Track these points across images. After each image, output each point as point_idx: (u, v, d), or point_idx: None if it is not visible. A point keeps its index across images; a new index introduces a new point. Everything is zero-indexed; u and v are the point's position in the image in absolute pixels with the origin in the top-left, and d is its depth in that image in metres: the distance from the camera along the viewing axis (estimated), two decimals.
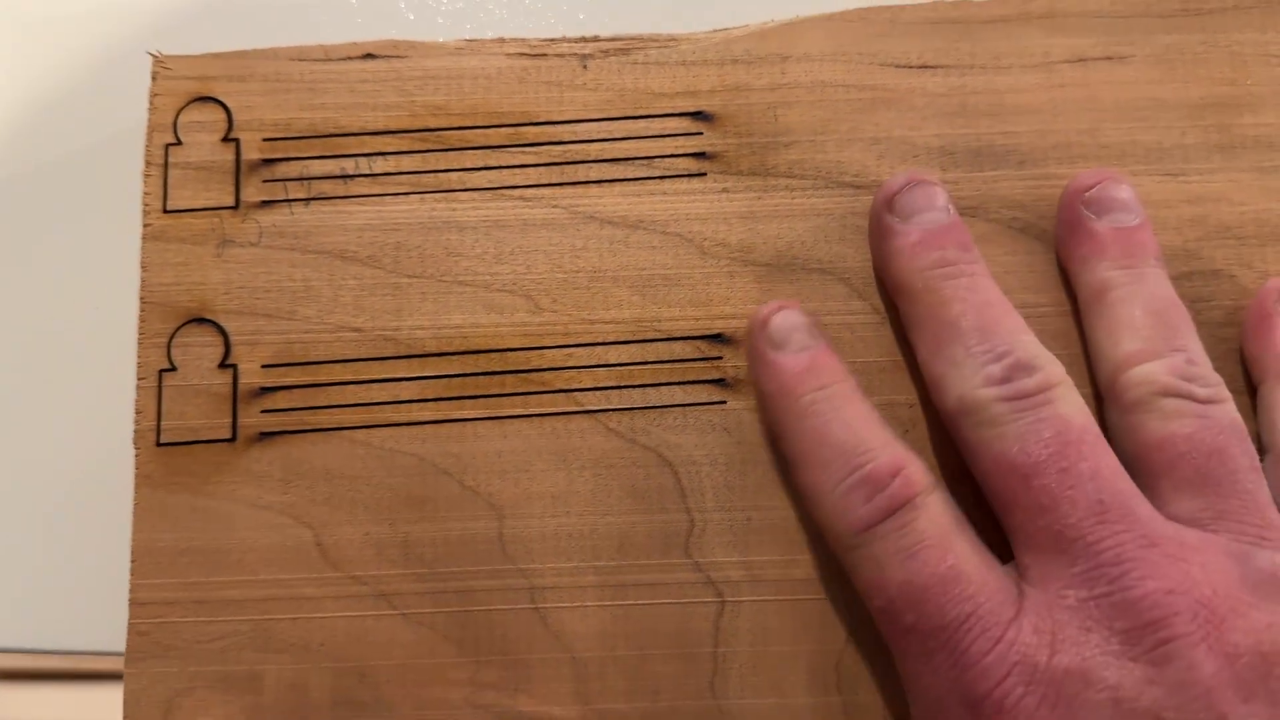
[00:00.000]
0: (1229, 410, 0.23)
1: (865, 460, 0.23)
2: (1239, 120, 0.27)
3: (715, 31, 0.28)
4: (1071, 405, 0.22)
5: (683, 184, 0.27)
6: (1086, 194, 0.25)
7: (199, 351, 0.26)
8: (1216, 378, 0.23)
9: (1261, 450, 0.24)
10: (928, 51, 0.27)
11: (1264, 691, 0.20)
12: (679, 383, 0.26)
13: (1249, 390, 0.25)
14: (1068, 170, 0.26)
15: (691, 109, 0.27)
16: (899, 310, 0.25)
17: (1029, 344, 0.23)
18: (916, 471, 0.23)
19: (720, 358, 0.26)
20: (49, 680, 0.29)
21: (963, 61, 0.27)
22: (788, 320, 0.25)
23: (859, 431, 0.23)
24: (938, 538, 0.22)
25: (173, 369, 0.26)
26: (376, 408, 0.26)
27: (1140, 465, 0.23)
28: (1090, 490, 0.21)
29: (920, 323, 0.24)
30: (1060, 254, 0.26)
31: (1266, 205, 0.26)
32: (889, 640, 0.23)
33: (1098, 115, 0.27)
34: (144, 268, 0.26)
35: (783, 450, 0.24)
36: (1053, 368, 0.23)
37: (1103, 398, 0.24)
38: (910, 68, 0.27)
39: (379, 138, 0.27)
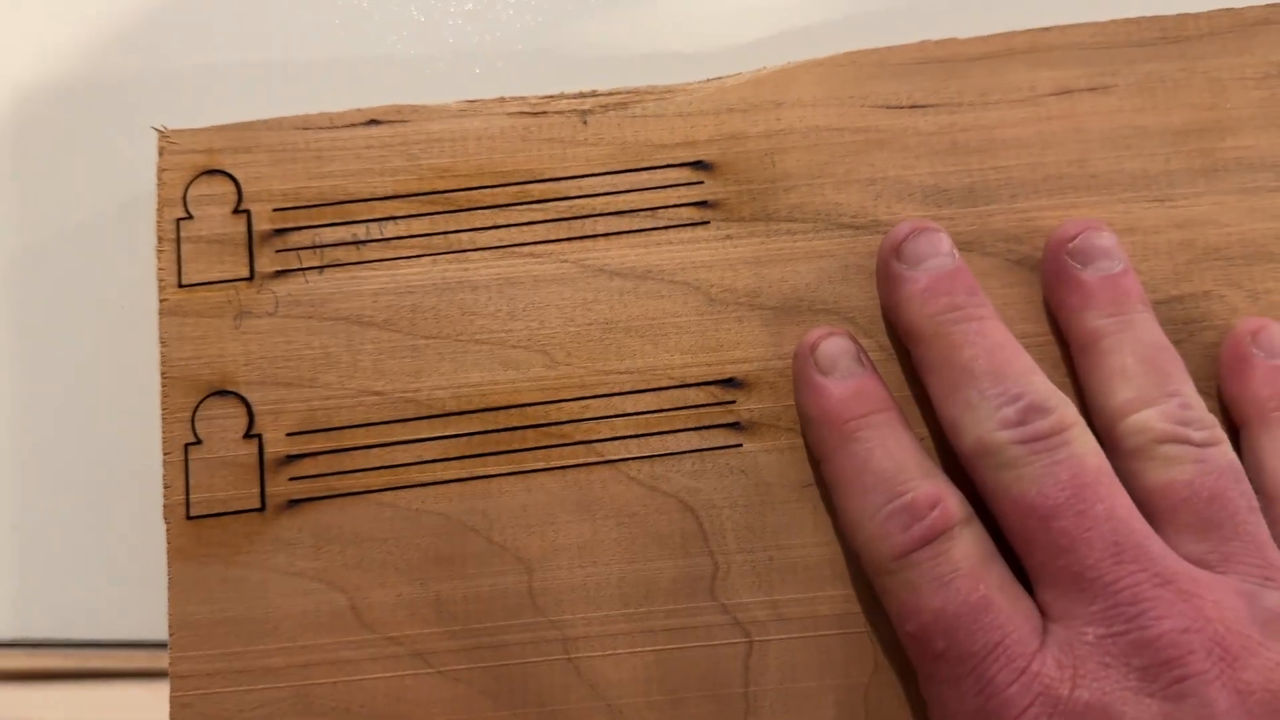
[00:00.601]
0: (1225, 452, 0.24)
1: (906, 489, 0.23)
2: (1220, 144, 0.28)
3: (709, 81, 0.28)
4: (1086, 446, 0.23)
5: (687, 233, 0.27)
6: (1070, 244, 0.26)
7: (223, 423, 0.26)
8: (1211, 419, 0.24)
9: None
10: (917, 91, 0.28)
11: None
12: (695, 428, 0.26)
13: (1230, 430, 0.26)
14: (1059, 201, 0.27)
15: (691, 159, 0.28)
16: (912, 355, 0.26)
17: (1041, 385, 0.24)
18: (954, 503, 0.23)
19: (734, 401, 0.27)
20: (55, 680, 0.30)
21: (951, 100, 0.28)
22: (836, 346, 0.26)
23: (901, 460, 0.24)
24: (971, 568, 0.23)
25: (198, 442, 0.26)
26: (401, 469, 0.26)
27: (1144, 510, 0.23)
28: (1106, 531, 0.22)
29: (934, 367, 0.25)
30: (1049, 304, 0.26)
31: (1251, 225, 0.27)
32: (918, 665, 0.24)
33: (1085, 146, 0.28)
34: (163, 343, 0.27)
35: (824, 474, 0.25)
36: (1065, 409, 0.23)
37: (1101, 445, 0.25)
38: (901, 108, 0.28)
39: (388, 202, 0.27)
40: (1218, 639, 0.21)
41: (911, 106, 0.28)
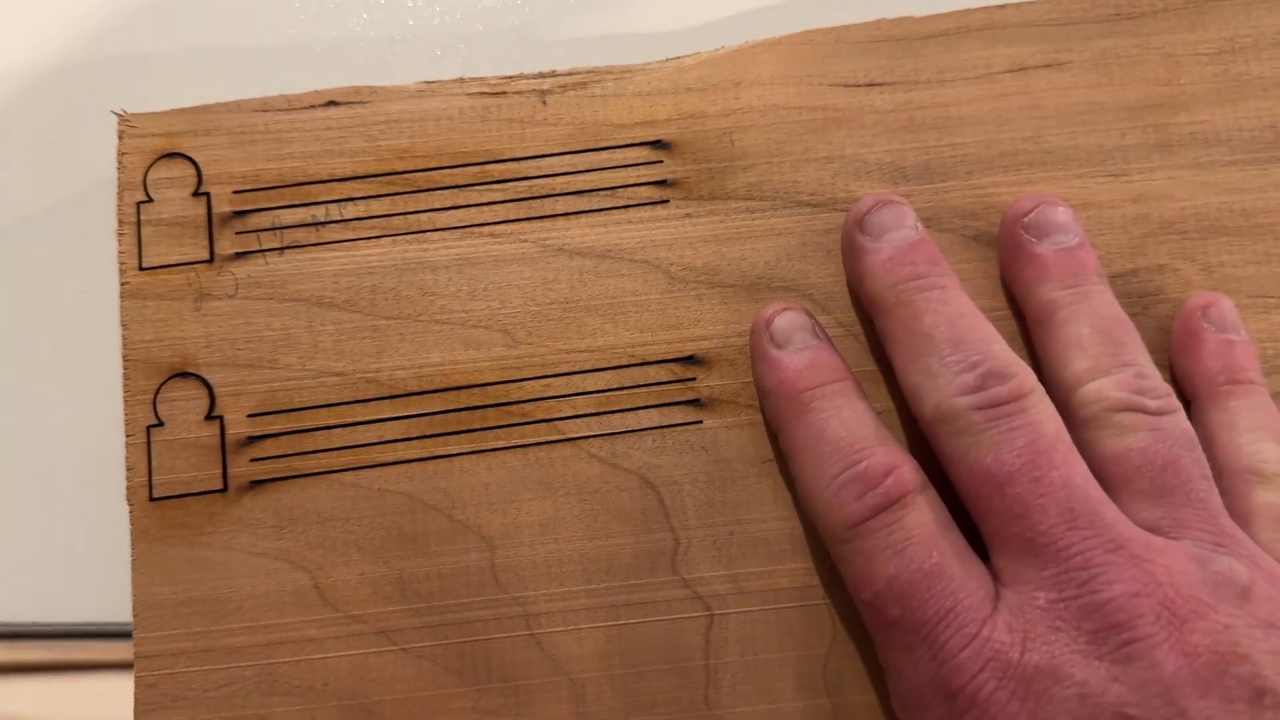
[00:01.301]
0: (1179, 420, 0.24)
1: (860, 458, 0.24)
2: (1175, 119, 0.28)
3: (668, 60, 0.28)
4: (1043, 413, 0.23)
5: (646, 212, 0.27)
6: (1025, 219, 0.26)
7: (185, 405, 0.26)
8: (1166, 388, 0.24)
9: None
10: (874, 70, 0.28)
11: (1219, 688, 0.21)
12: (655, 405, 0.27)
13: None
14: (1015, 177, 0.27)
15: (650, 138, 0.28)
16: (876, 325, 0.26)
17: (1001, 353, 0.24)
18: (909, 471, 0.24)
19: (694, 379, 0.27)
20: (21, 673, 0.30)
21: (908, 77, 0.28)
22: (790, 320, 0.26)
23: (856, 429, 0.24)
24: (925, 535, 0.23)
25: (160, 424, 0.26)
26: (363, 449, 0.26)
27: (1099, 478, 0.24)
28: (1061, 498, 0.22)
29: (895, 336, 0.25)
30: (1005, 278, 0.27)
31: (1205, 200, 0.28)
32: (873, 632, 0.24)
33: (1040, 122, 0.28)
34: (124, 326, 0.27)
35: (781, 444, 0.26)
36: (1025, 375, 0.24)
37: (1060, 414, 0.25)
38: (858, 86, 0.28)
39: (347, 183, 0.27)
40: (1167, 602, 0.22)
41: (868, 85, 0.28)
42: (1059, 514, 0.22)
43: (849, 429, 0.24)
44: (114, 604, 0.27)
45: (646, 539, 0.26)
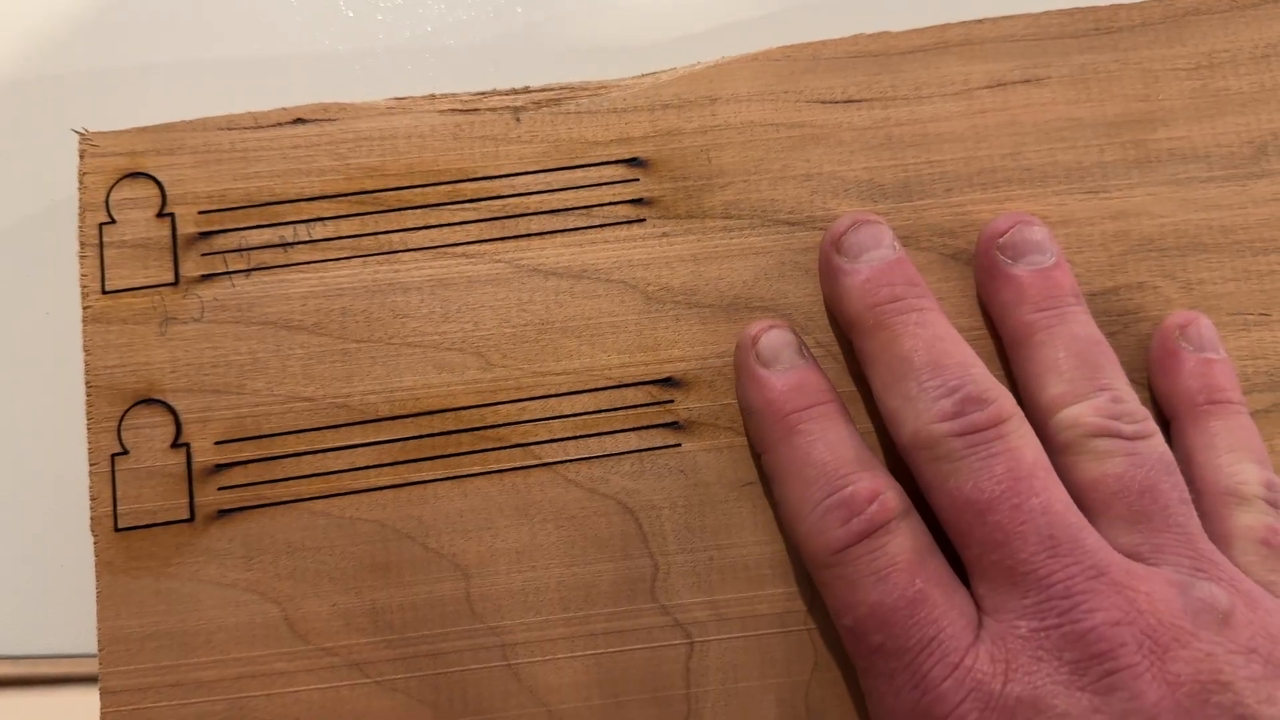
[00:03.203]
0: (1157, 444, 0.24)
1: (845, 483, 0.23)
2: (1153, 135, 0.28)
3: (644, 76, 0.28)
4: (1022, 439, 0.23)
5: (623, 231, 0.27)
6: (1001, 239, 0.26)
7: (150, 433, 0.26)
8: (1143, 412, 0.24)
9: None
10: (851, 86, 0.28)
11: (1202, 717, 0.21)
12: (633, 429, 0.26)
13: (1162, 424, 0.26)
14: (994, 195, 0.27)
15: (626, 156, 0.27)
16: (854, 347, 0.26)
17: (980, 377, 0.24)
18: (893, 497, 0.23)
19: (672, 401, 0.26)
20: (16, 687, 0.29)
21: (885, 94, 0.28)
22: (778, 338, 0.25)
23: (841, 453, 0.24)
24: (908, 562, 0.23)
25: (125, 452, 0.26)
26: (334, 476, 0.26)
27: (1078, 503, 0.23)
28: (1041, 525, 0.22)
29: (874, 358, 0.25)
30: (981, 299, 0.27)
31: (1184, 216, 0.27)
32: (855, 659, 0.24)
33: (1019, 138, 0.28)
34: (87, 351, 0.26)
35: (766, 465, 0.25)
36: (1004, 400, 0.23)
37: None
38: (835, 103, 0.28)
39: (316, 203, 0.27)
40: (1149, 631, 0.21)
41: (846, 101, 0.28)
42: (1039, 541, 0.22)
43: (834, 453, 0.24)
44: (77, 636, 0.27)
45: (625, 565, 0.26)
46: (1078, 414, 0.24)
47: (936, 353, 0.24)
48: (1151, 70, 0.28)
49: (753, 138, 0.27)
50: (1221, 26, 0.28)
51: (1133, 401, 0.24)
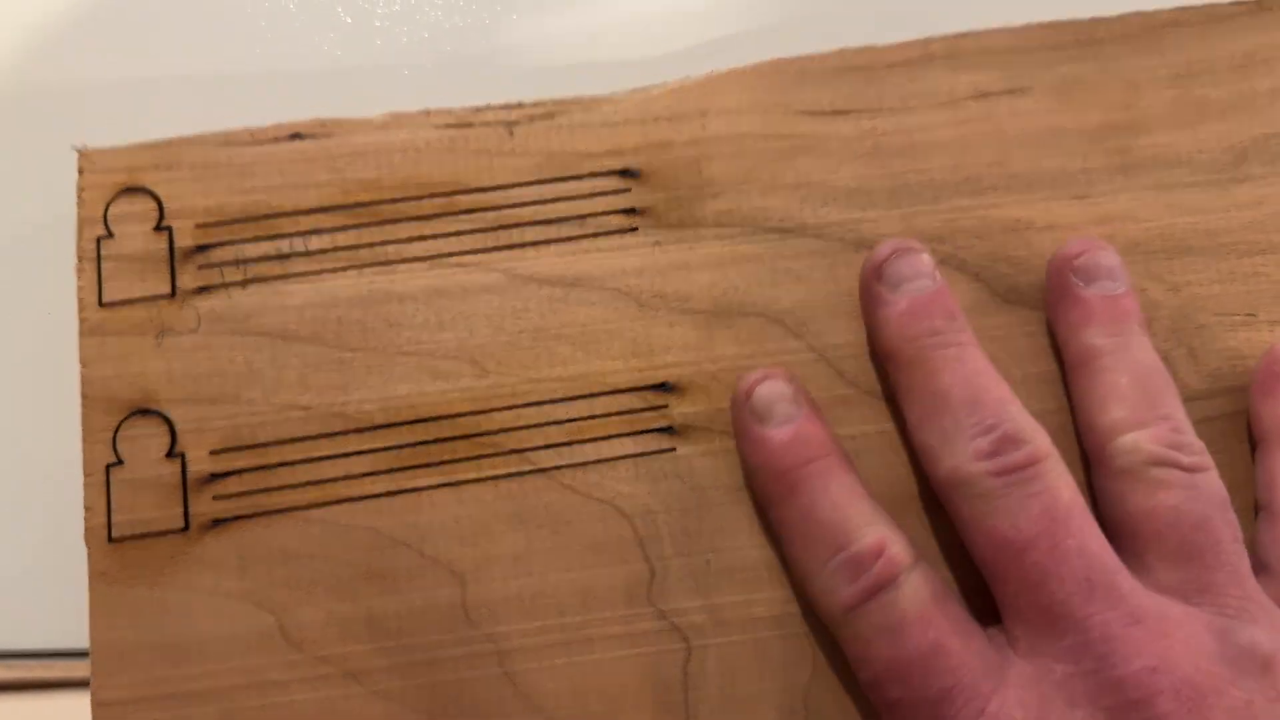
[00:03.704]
0: (1212, 479, 0.24)
1: (849, 540, 0.23)
2: (1136, 142, 0.28)
3: (635, 91, 0.28)
4: (1059, 479, 0.23)
5: (616, 240, 0.27)
6: (1075, 261, 0.26)
7: (145, 443, 0.26)
8: (1200, 445, 0.24)
9: (1256, 506, 0.25)
10: (839, 98, 0.28)
11: None
12: (628, 434, 0.26)
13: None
14: (980, 201, 0.28)
15: (618, 167, 0.28)
16: (890, 378, 0.26)
17: (1017, 415, 0.24)
18: (898, 549, 0.23)
19: (666, 406, 0.26)
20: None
21: (872, 105, 0.28)
22: (771, 390, 0.25)
23: (844, 509, 0.24)
24: (919, 613, 0.23)
25: (120, 463, 0.26)
26: (329, 484, 0.26)
27: (1126, 532, 0.23)
28: (1078, 567, 0.22)
29: (910, 392, 0.25)
30: (1050, 319, 0.26)
31: (1170, 220, 0.28)
32: (878, 710, 0.23)
33: (1004, 147, 0.28)
34: (83, 363, 0.26)
35: (771, 520, 0.25)
36: (1040, 439, 0.23)
37: (1089, 461, 0.25)
38: (823, 114, 0.28)
39: (312, 216, 0.27)
40: (1186, 679, 0.21)
41: (834, 112, 0.28)
42: (1076, 583, 0.22)
43: (837, 509, 0.24)
44: (79, 637, 0.27)
45: (622, 570, 0.25)
46: (1137, 440, 0.24)
47: (974, 389, 0.24)
48: (1132, 80, 0.29)
49: (743, 148, 0.28)
50: (1199, 38, 0.29)
51: (1191, 434, 0.24)
